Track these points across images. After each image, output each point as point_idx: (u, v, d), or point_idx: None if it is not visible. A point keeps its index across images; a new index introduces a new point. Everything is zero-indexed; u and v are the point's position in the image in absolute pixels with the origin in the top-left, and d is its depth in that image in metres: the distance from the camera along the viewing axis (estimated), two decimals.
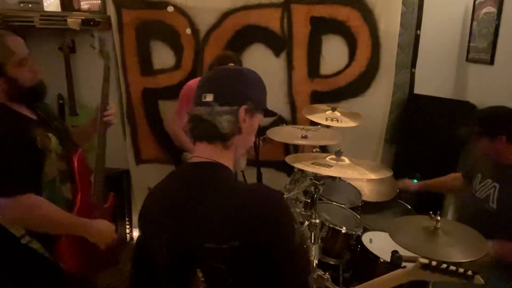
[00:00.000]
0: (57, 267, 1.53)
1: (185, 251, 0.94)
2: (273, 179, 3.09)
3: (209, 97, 1.00)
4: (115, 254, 1.83)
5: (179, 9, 2.90)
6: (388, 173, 1.62)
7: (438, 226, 1.58)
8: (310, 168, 1.62)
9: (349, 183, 2.52)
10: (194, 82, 2.70)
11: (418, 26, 2.90)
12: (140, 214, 1.10)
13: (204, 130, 1.01)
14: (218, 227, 0.90)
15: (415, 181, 2.53)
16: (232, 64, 2.57)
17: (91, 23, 2.81)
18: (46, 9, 2.95)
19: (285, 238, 0.92)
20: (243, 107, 1.02)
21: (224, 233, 0.89)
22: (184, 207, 0.96)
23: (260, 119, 1.10)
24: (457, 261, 1.51)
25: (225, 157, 1.04)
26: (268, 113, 1.13)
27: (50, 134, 1.53)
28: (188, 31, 2.93)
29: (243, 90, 1.03)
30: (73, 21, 2.75)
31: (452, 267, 1.10)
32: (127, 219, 3.39)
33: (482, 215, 1.81)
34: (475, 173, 1.97)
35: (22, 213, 1.37)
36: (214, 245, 0.89)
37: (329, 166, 1.61)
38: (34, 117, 1.54)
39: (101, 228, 1.60)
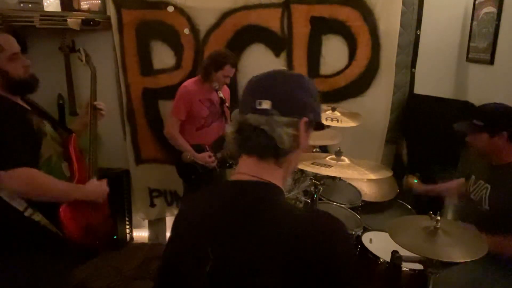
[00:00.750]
0: (60, 238, 1.60)
1: (232, 284, 0.82)
2: None
3: (266, 104, 0.86)
4: (110, 224, 1.98)
5: (179, 9, 2.90)
6: (388, 173, 1.62)
7: (438, 226, 1.58)
8: (310, 168, 1.62)
9: (349, 183, 2.52)
10: (190, 83, 2.71)
11: (418, 26, 2.90)
12: (172, 238, 0.97)
13: (259, 143, 0.87)
14: (272, 259, 0.79)
15: (415, 181, 2.53)
16: (229, 66, 2.58)
17: (91, 23, 2.81)
18: (46, 9, 2.95)
19: (347, 275, 0.81)
20: (304, 119, 0.88)
21: (278, 266, 0.78)
22: (231, 235, 0.83)
23: (311, 135, 0.96)
24: (457, 261, 1.52)
25: (276, 176, 0.90)
26: (318, 126, 0.98)
27: (44, 121, 1.66)
28: (187, 31, 2.93)
29: (305, 100, 0.90)
30: (73, 21, 2.75)
31: None
32: (127, 219, 3.40)
33: (477, 216, 1.81)
34: (470, 175, 1.97)
35: (20, 184, 1.46)
36: (266, 278, 0.79)
37: (329, 166, 1.61)
38: (28, 107, 1.67)
39: (94, 185, 1.76)
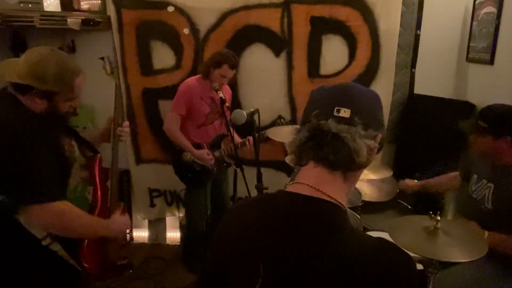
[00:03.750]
0: (75, 270, 1.55)
1: None
2: (273, 179, 3.09)
3: (346, 113, 0.80)
4: (126, 257, 1.88)
5: (179, 9, 2.90)
6: (388, 173, 1.62)
7: (438, 226, 1.58)
8: None
9: None
10: (191, 80, 2.71)
11: (418, 26, 2.90)
12: (220, 244, 0.90)
13: (335, 152, 0.80)
14: (329, 286, 0.74)
15: (415, 181, 2.53)
16: (226, 65, 2.57)
17: (91, 23, 2.81)
18: (46, 9, 2.95)
19: None
20: (380, 135, 0.84)
21: None
22: (287, 255, 0.78)
23: None
24: (457, 261, 1.52)
25: (341, 193, 0.83)
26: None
27: (73, 142, 1.60)
28: (186, 31, 2.93)
29: (380, 115, 0.86)
30: (73, 21, 2.75)
31: None
32: None
33: (480, 215, 1.81)
34: (472, 174, 1.97)
35: (54, 219, 1.39)
36: None
37: None
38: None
39: (119, 223, 1.66)
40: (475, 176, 1.94)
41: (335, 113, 0.80)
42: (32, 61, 1.39)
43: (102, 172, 1.74)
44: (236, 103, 2.98)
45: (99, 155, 1.73)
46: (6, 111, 1.38)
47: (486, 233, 1.71)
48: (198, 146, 2.69)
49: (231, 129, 2.28)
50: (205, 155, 2.68)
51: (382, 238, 0.80)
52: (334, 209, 0.81)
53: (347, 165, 0.81)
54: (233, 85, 2.97)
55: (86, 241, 1.57)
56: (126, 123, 1.88)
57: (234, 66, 2.63)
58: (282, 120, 2.91)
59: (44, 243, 1.43)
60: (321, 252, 0.75)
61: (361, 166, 0.83)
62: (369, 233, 2.11)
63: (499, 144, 1.73)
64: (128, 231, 3.36)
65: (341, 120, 0.80)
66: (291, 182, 0.88)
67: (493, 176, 1.81)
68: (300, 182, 0.84)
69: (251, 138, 2.49)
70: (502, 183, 1.76)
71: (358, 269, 0.73)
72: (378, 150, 0.89)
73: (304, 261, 0.76)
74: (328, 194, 0.81)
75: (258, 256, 0.80)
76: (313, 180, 0.83)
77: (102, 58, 1.91)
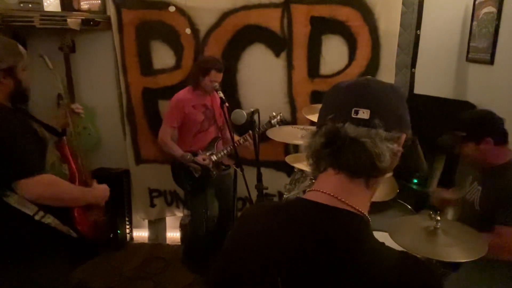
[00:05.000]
0: (70, 238, 1.66)
1: None
2: (273, 179, 3.09)
3: (365, 114, 0.73)
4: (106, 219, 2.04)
5: (179, 9, 2.90)
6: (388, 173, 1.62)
7: (438, 226, 1.58)
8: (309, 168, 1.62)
9: None
10: (181, 93, 2.74)
11: (418, 26, 2.90)
12: (232, 254, 0.85)
13: (356, 158, 0.73)
14: None
15: (415, 181, 2.53)
16: (214, 71, 2.58)
17: (91, 23, 2.81)
18: (46, 9, 2.95)
19: None
20: (404, 135, 0.77)
21: None
22: (307, 269, 0.73)
23: None
24: (457, 261, 1.52)
25: (363, 200, 0.78)
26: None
27: (41, 128, 1.72)
28: (188, 31, 2.94)
29: (403, 114, 0.78)
30: (73, 21, 2.75)
31: None
32: (127, 219, 3.40)
33: (471, 217, 1.82)
34: (467, 175, 1.97)
35: (43, 190, 1.51)
36: None
37: None
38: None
39: (101, 189, 1.84)
40: (470, 177, 1.94)
41: (353, 115, 0.73)
42: None
43: (72, 152, 1.89)
44: (236, 103, 2.98)
45: (64, 137, 1.86)
46: None
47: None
48: (194, 154, 2.70)
49: (229, 127, 2.28)
50: (201, 160, 2.69)
51: (406, 252, 0.77)
52: (355, 220, 0.76)
53: (369, 171, 0.75)
54: (233, 85, 2.97)
55: (75, 208, 1.70)
56: (76, 103, 2.07)
57: (221, 69, 2.64)
58: (275, 117, 2.82)
59: (37, 217, 1.53)
60: (343, 266, 0.71)
61: (385, 171, 0.76)
62: None
63: (482, 148, 1.74)
64: (128, 231, 3.39)
65: (360, 122, 0.73)
66: (308, 190, 0.81)
67: (482, 179, 1.83)
68: (319, 190, 0.78)
69: (250, 133, 2.49)
70: (488, 185, 1.77)
71: (382, 284, 0.69)
72: (407, 150, 0.81)
73: (325, 276, 0.71)
74: (349, 203, 0.76)
75: (276, 268, 0.75)
76: (333, 189, 0.77)
77: (41, 56, 2.09)
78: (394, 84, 0.85)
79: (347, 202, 0.76)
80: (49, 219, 1.57)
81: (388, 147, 0.73)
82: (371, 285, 0.69)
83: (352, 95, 0.77)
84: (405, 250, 0.78)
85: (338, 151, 0.74)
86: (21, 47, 1.60)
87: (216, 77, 2.62)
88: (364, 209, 0.78)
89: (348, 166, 0.75)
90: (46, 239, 1.60)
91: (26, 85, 1.61)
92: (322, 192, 0.78)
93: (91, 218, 1.81)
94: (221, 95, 2.49)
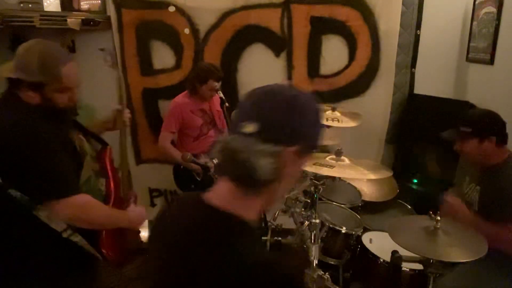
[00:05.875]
0: (95, 259, 1.58)
1: None
2: None
3: (250, 128, 0.76)
4: (140, 242, 1.91)
5: (179, 9, 2.90)
6: (388, 173, 1.62)
7: (438, 226, 1.58)
8: (311, 169, 1.62)
9: (349, 183, 2.52)
10: (179, 97, 2.74)
11: (418, 26, 2.90)
12: (149, 237, 0.95)
13: (235, 170, 0.78)
14: None
15: (415, 181, 2.53)
16: (212, 80, 2.56)
17: (91, 23, 2.81)
18: (46, 9, 2.94)
19: None
20: (292, 148, 0.78)
21: None
22: (179, 262, 0.80)
23: (306, 162, 0.87)
24: (457, 261, 1.52)
25: (251, 207, 0.82)
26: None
27: (81, 136, 1.62)
28: (187, 31, 2.94)
29: (296, 126, 0.78)
30: (73, 21, 2.75)
31: None
32: None
33: None
34: (464, 176, 1.98)
35: (76, 213, 1.42)
36: None
37: (330, 166, 1.61)
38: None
39: (137, 214, 1.67)
40: (467, 178, 1.95)
41: (240, 129, 0.77)
42: (18, 54, 1.40)
43: (113, 164, 1.78)
44: (236, 103, 2.97)
45: (108, 147, 1.75)
46: (13, 111, 1.41)
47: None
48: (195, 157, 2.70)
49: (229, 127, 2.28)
50: (201, 160, 2.69)
51: (274, 259, 0.78)
52: (231, 223, 0.79)
53: (250, 183, 0.78)
54: (233, 85, 2.97)
55: (104, 230, 1.58)
56: (127, 110, 1.97)
57: (219, 78, 2.63)
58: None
59: (64, 235, 1.45)
60: (204, 264, 0.75)
61: (270, 182, 0.78)
62: (369, 233, 2.11)
63: (485, 146, 1.75)
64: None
65: (245, 135, 0.76)
66: (208, 189, 0.87)
67: (481, 179, 1.83)
68: (214, 192, 0.84)
69: None
70: (487, 185, 1.78)
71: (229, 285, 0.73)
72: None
73: (188, 270, 0.77)
74: (234, 211, 0.80)
75: (155, 257, 0.85)
76: (222, 195, 0.82)
77: (102, 49, 1.93)
78: (303, 94, 0.83)
79: (229, 206, 0.80)
80: (77, 238, 1.48)
81: (264, 161, 0.75)
82: (221, 284, 0.73)
83: (243, 108, 0.82)
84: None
85: (223, 162, 0.80)
86: (65, 70, 1.42)
87: (214, 86, 2.62)
88: (248, 214, 0.81)
89: (231, 176, 0.81)
90: (73, 257, 1.51)
91: (60, 105, 1.46)
92: (215, 195, 0.84)
93: (121, 242, 1.70)
94: (221, 95, 2.49)
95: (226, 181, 0.82)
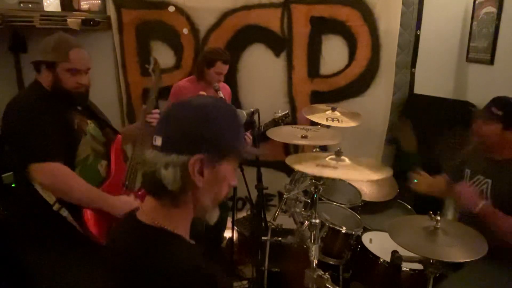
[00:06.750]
0: (84, 237, 1.61)
1: None
2: (273, 179, 3.09)
3: (158, 141, 0.80)
4: None
5: (179, 9, 2.90)
6: (388, 173, 1.61)
7: (438, 226, 1.58)
8: (311, 170, 1.62)
9: (349, 183, 2.52)
10: (183, 81, 2.71)
11: (418, 26, 2.90)
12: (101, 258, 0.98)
13: (149, 183, 0.83)
14: None
15: (415, 181, 2.53)
16: (220, 62, 2.54)
17: (91, 23, 2.81)
18: (46, 9, 2.94)
19: None
20: (196, 156, 0.79)
21: None
22: (121, 267, 0.86)
23: (233, 166, 0.88)
24: (457, 261, 1.52)
25: (174, 218, 0.85)
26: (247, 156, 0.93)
27: (89, 121, 1.74)
28: (185, 31, 2.93)
29: (200, 134, 0.80)
30: (73, 21, 2.75)
31: None
32: None
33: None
34: (464, 169, 1.95)
35: (48, 179, 1.53)
36: None
37: (331, 167, 1.61)
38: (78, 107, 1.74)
39: (123, 202, 1.67)
40: (467, 171, 1.92)
41: (153, 142, 0.82)
42: (42, 42, 1.65)
43: (121, 152, 1.85)
44: (236, 103, 2.98)
45: (119, 135, 1.85)
46: (24, 91, 1.75)
47: (481, 203, 1.70)
48: None
49: None
50: None
51: (199, 268, 0.81)
52: (154, 234, 0.83)
53: (163, 194, 0.82)
54: (233, 85, 2.97)
55: (87, 210, 1.61)
56: (156, 110, 2.07)
57: (227, 60, 2.59)
58: (280, 115, 2.83)
59: (54, 208, 1.56)
60: (136, 274, 0.81)
61: (182, 191, 0.81)
62: (369, 233, 2.11)
63: (506, 135, 1.72)
64: None
65: (156, 148, 0.81)
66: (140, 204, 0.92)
67: (490, 171, 1.80)
68: (141, 210, 0.88)
69: (249, 134, 2.49)
70: (501, 179, 1.75)
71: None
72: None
73: (125, 280, 0.83)
74: (159, 223, 0.84)
75: (112, 258, 0.89)
76: (147, 208, 0.86)
77: (153, 57, 2.17)
78: (212, 103, 0.86)
79: (155, 221, 0.84)
80: (65, 213, 1.57)
81: (170, 171, 0.78)
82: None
83: (159, 121, 0.87)
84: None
85: (143, 176, 0.84)
86: (72, 52, 1.61)
87: (222, 69, 2.58)
88: (173, 225, 0.85)
89: (148, 190, 0.86)
90: (64, 231, 1.60)
91: (67, 86, 1.62)
92: (142, 211, 0.87)
93: (106, 224, 1.67)
94: (221, 95, 2.49)
95: (148, 196, 0.87)
